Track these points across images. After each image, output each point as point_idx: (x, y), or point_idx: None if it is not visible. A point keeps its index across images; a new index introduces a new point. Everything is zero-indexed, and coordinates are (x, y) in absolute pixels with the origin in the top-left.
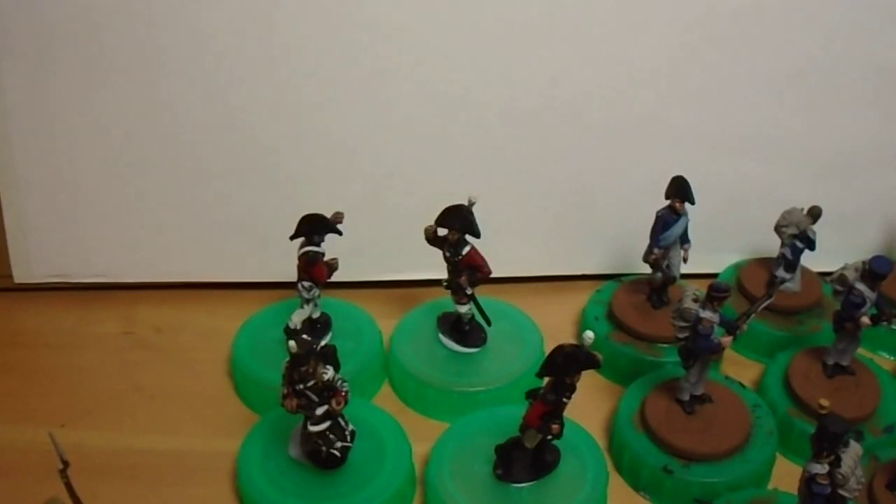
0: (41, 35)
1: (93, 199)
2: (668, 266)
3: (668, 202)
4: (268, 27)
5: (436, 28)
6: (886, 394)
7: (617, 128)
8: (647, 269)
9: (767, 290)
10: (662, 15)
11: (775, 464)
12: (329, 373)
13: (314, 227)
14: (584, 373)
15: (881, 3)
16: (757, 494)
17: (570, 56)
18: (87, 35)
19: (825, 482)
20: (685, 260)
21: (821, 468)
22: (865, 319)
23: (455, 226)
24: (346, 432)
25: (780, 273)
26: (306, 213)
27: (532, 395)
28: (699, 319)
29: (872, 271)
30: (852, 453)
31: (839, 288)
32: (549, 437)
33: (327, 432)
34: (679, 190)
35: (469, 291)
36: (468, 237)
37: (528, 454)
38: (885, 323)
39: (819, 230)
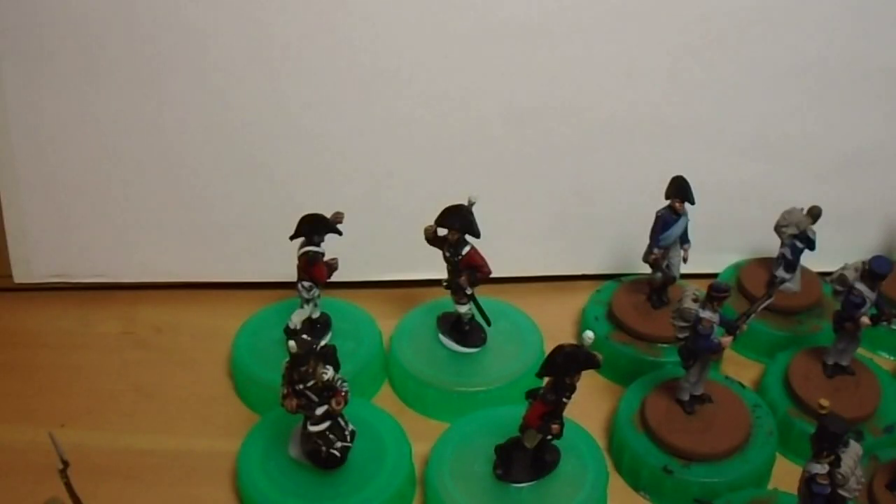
0: (41, 35)
1: (93, 200)
2: (668, 266)
3: (668, 202)
4: (267, 27)
5: (436, 28)
6: (886, 394)
7: (617, 128)
8: (647, 269)
9: (767, 290)
10: (662, 14)
11: (775, 464)
12: (329, 373)
13: (314, 227)
14: (584, 373)
15: (881, 4)
16: (757, 494)
17: (570, 56)
18: (87, 35)
19: (825, 482)
20: (685, 260)
21: (821, 468)
22: (865, 319)
23: (455, 226)
24: (346, 432)
25: (780, 273)
26: (306, 213)
27: (532, 395)
28: (699, 319)
29: (872, 271)
30: (852, 453)
31: (839, 288)
32: (549, 437)
33: (327, 432)
34: (679, 190)
35: (469, 291)
36: (468, 237)
37: (528, 454)
38: (885, 323)
39: (819, 230)
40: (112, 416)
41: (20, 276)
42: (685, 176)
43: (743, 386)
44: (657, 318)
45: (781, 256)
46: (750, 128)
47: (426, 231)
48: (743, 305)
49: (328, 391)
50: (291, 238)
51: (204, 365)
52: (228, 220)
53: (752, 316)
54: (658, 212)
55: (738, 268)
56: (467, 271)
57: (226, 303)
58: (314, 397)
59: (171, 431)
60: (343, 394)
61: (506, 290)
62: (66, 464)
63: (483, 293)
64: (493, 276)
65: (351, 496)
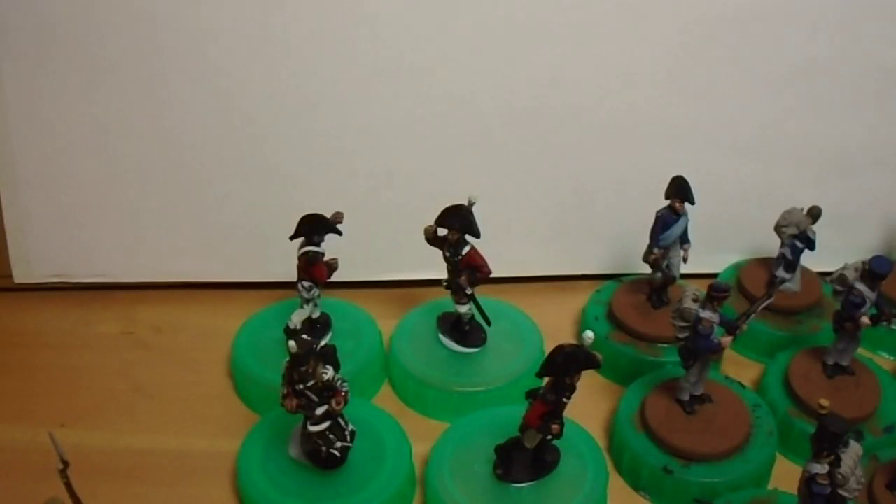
0: (41, 35)
1: (93, 199)
2: (668, 266)
3: (668, 202)
4: (268, 27)
5: (436, 28)
6: (886, 394)
7: (617, 128)
8: (647, 269)
9: (767, 290)
10: (662, 15)
11: (775, 464)
12: (329, 373)
13: (314, 227)
14: (584, 373)
15: (881, 4)
16: (757, 494)
17: (570, 56)
18: (87, 35)
19: (825, 482)
20: (685, 260)
21: (821, 468)
22: (865, 319)
23: (455, 226)
24: (346, 432)
25: (780, 273)
26: (306, 213)
27: (532, 395)
28: (699, 319)
29: (872, 271)
30: (852, 453)
31: (839, 288)
32: (549, 437)
33: (327, 432)
34: (679, 190)
35: (469, 291)
36: (468, 237)
37: (528, 454)
38: (885, 323)
39: (819, 230)
40: (112, 416)
41: (20, 276)
42: (685, 176)
43: (743, 386)
44: (657, 318)
45: (781, 256)
46: (750, 128)
47: (426, 231)
48: (743, 305)
49: (328, 391)
50: (291, 238)
51: (204, 365)
52: (228, 220)
53: (752, 316)
54: (658, 212)
55: (738, 268)
56: (467, 271)
57: (226, 303)
58: (314, 397)
59: (171, 431)
60: (343, 394)
61: (506, 290)
62: (66, 464)
63: (483, 293)
64: (493, 276)
65: (351, 496)
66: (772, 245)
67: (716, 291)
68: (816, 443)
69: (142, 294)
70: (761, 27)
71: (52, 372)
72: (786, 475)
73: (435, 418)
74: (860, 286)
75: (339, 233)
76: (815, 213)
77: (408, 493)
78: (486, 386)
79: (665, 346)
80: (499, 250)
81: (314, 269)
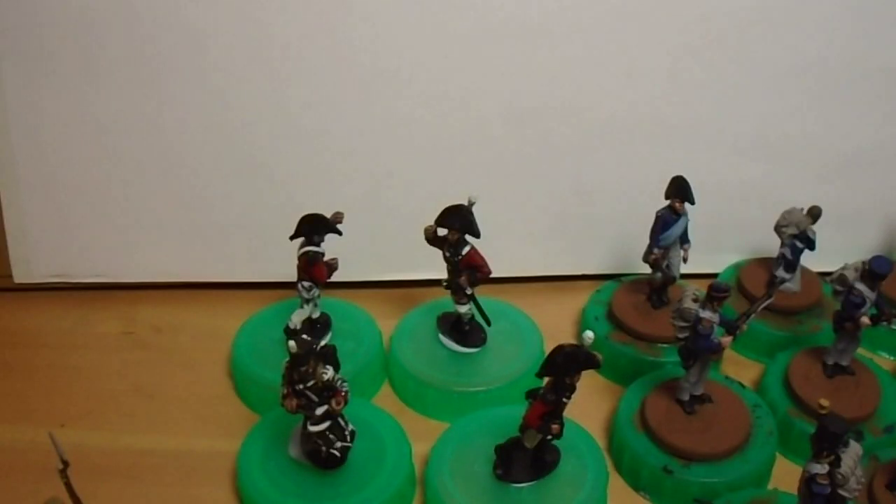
0: (41, 35)
1: (93, 199)
2: (668, 266)
3: (668, 202)
4: (267, 27)
5: (436, 28)
6: (886, 394)
7: (617, 128)
8: (647, 269)
9: (767, 290)
10: (662, 15)
11: (775, 464)
12: (329, 373)
13: (314, 227)
14: (584, 373)
15: (881, 3)
16: (757, 494)
17: (570, 56)
18: (87, 35)
19: (825, 482)
20: (685, 260)
21: (821, 468)
22: (865, 319)
23: (455, 226)
24: (346, 432)
25: (780, 273)
26: (306, 213)
27: (532, 395)
28: (699, 319)
29: (872, 271)
30: (852, 453)
31: (839, 288)
32: (549, 437)
33: (327, 432)
34: (679, 190)
35: (469, 291)
36: (468, 237)
37: (528, 454)
38: (885, 323)
39: (819, 230)
40: (112, 416)
41: (20, 276)
42: (685, 176)
43: (743, 386)
44: (657, 318)
45: (781, 256)
46: (750, 128)
47: (426, 231)
48: (743, 305)
49: (328, 391)
50: (291, 238)
51: (204, 365)
52: (228, 220)
53: (752, 316)
54: (658, 212)
55: (738, 268)
56: (467, 271)
57: (226, 303)
58: (314, 397)
59: (171, 431)
60: (343, 394)
61: (506, 290)
62: (66, 464)
63: (483, 293)
64: (493, 276)
65: (351, 496)
66: (772, 245)
67: (716, 291)
68: (816, 443)
69: (142, 294)
70: (761, 27)
71: (52, 372)
72: (786, 475)
73: (435, 418)
74: (860, 286)
75: (339, 233)
76: (815, 213)
77: (408, 493)
78: (486, 386)
79: (665, 346)
80: (499, 250)
81: (314, 269)
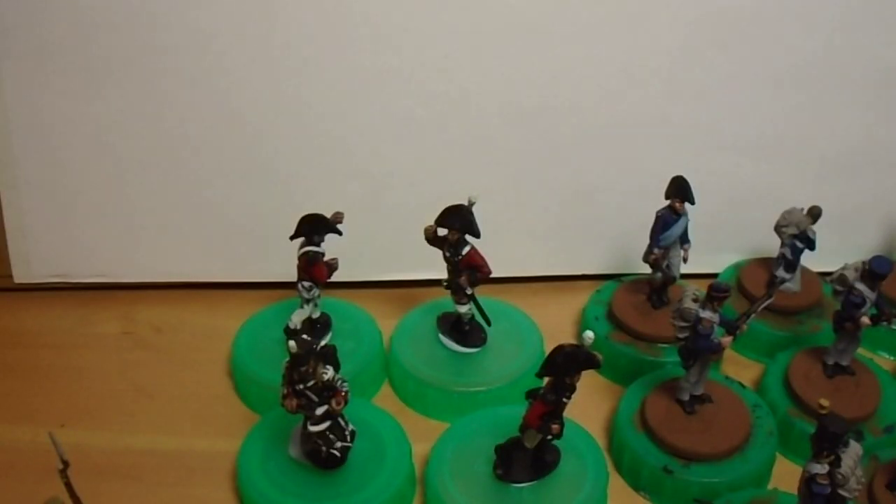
0: (41, 35)
1: (93, 199)
2: (668, 266)
3: (668, 202)
4: (267, 27)
5: (436, 28)
6: (886, 394)
7: (617, 128)
8: (647, 269)
9: (767, 290)
10: (662, 15)
11: (775, 464)
12: (329, 373)
13: (314, 227)
14: (584, 373)
15: (881, 3)
16: (757, 494)
17: (570, 56)
18: (87, 35)
19: (825, 482)
20: (685, 260)
21: (821, 468)
22: (865, 319)
23: (455, 226)
24: (346, 432)
25: (780, 273)
26: (306, 213)
27: (532, 395)
28: (699, 319)
29: (872, 271)
30: (852, 453)
31: (839, 288)
32: (549, 437)
33: (327, 432)
34: (679, 190)
35: (469, 291)
36: (468, 237)
37: (528, 454)
38: (885, 323)
39: (819, 230)
40: (112, 416)
41: (20, 276)
42: (685, 176)
43: (743, 386)
44: (657, 318)
45: (781, 256)
46: (750, 128)
47: (426, 231)
48: (743, 305)
49: (328, 391)
50: (291, 238)
51: (204, 365)
52: (228, 220)
53: (752, 316)
54: (658, 212)
55: (738, 268)
56: (467, 271)
57: (226, 303)
58: (314, 397)
59: (171, 431)
60: (343, 394)
61: (506, 290)
62: (66, 464)
63: (483, 293)
64: (493, 276)
65: (351, 496)
66: (772, 245)
67: (716, 291)
68: (816, 443)
69: (142, 294)
70: (761, 27)
71: (52, 372)
72: (786, 475)
73: (435, 418)
74: (860, 286)
75: (339, 233)
76: (815, 213)
77: (408, 493)
78: (486, 386)
79: (665, 346)
80: (499, 250)
81: (314, 269)
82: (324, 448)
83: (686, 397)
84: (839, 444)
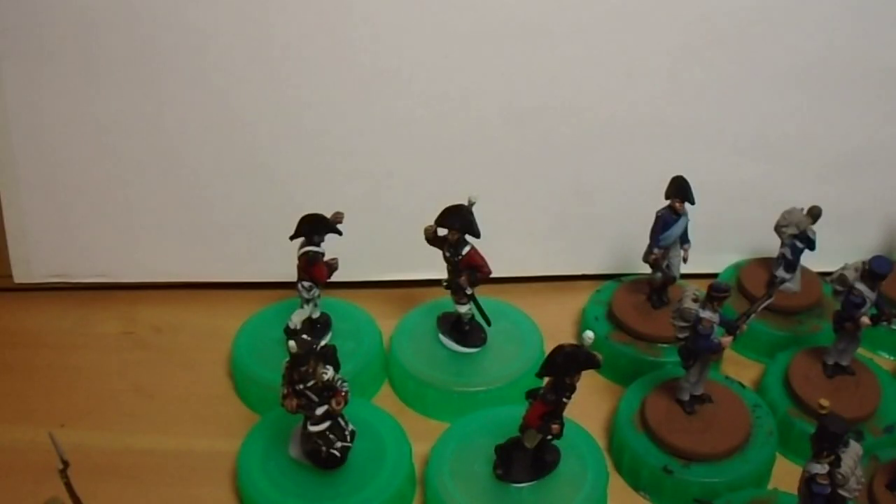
0: (41, 35)
1: (93, 200)
2: (668, 266)
3: (668, 202)
4: (267, 27)
5: (436, 28)
6: (886, 394)
7: (617, 128)
8: (647, 269)
9: (767, 290)
10: (663, 15)
11: (775, 464)
12: (329, 373)
13: (314, 227)
14: (584, 373)
15: (881, 3)
16: (757, 494)
17: (570, 56)
18: (87, 35)
19: (825, 482)
20: (685, 260)
21: (821, 468)
22: (865, 319)
23: (455, 226)
24: (346, 432)
25: (780, 273)
26: (306, 213)
27: (532, 395)
28: (699, 319)
29: (872, 271)
30: (852, 453)
31: (839, 288)
32: (549, 437)
33: (327, 432)
34: (679, 190)
35: (469, 291)
36: (468, 237)
37: (528, 454)
38: (885, 323)
39: (819, 230)
40: (112, 416)
41: (20, 276)
42: (685, 176)
43: (743, 386)
44: (657, 318)
45: (781, 256)
46: (750, 128)
47: (426, 231)
48: (743, 305)
49: (328, 391)
50: (291, 238)
51: (204, 365)
52: (228, 220)
53: (752, 316)
54: (658, 212)
55: (738, 268)
56: (467, 271)
57: (226, 303)
58: (314, 397)
59: (171, 431)
60: (343, 394)
61: (506, 290)
62: (66, 464)
63: (483, 293)
64: (493, 276)
65: (351, 496)
66: (772, 245)
67: (716, 291)
68: (816, 443)
69: (142, 294)
70: (761, 27)
71: (52, 372)
72: (786, 475)
73: (435, 418)
74: (860, 286)
75: (339, 233)
76: (815, 213)
77: (408, 493)
78: (486, 386)
79: (665, 346)
80: (499, 250)
81: (314, 269)
82: (324, 448)
83: (686, 397)
84: (839, 444)
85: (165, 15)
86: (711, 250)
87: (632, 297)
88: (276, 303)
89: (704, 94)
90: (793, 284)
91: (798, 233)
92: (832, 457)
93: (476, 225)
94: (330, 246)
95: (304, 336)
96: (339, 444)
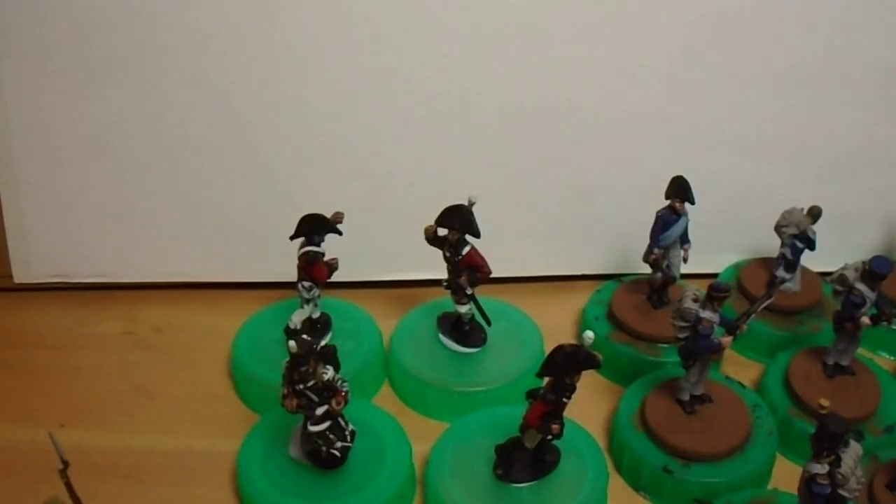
0: (41, 35)
1: (93, 199)
2: (668, 266)
3: (668, 202)
4: (267, 27)
5: (436, 28)
6: (886, 394)
7: (617, 128)
8: (647, 269)
9: (767, 290)
10: (662, 15)
11: (775, 464)
12: (329, 373)
13: (314, 227)
14: (584, 373)
15: (881, 3)
16: (757, 494)
17: (570, 56)
18: (87, 35)
19: (825, 482)
20: (685, 260)
21: (821, 468)
22: (865, 319)
23: (455, 226)
24: (346, 432)
25: (780, 273)
26: (306, 213)
27: (532, 395)
28: (699, 319)
29: (872, 271)
30: (852, 453)
31: (839, 288)
32: (549, 437)
33: (327, 432)
34: (679, 190)
35: (469, 291)
36: (468, 237)
37: (528, 454)
38: (885, 323)
39: (819, 230)
40: (112, 416)
41: (20, 276)
42: (685, 176)
43: (743, 386)
44: (657, 318)
45: (781, 256)
46: (750, 128)
47: (426, 231)
48: (743, 305)
49: (328, 391)
50: (291, 238)
51: (204, 365)
52: (228, 220)
53: (752, 316)
54: (658, 212)
55: (738, 268)
56: (467, 271)
57: (226, 303)
58: (314, 397)
59: (171, 431)
60: (343, 394)
61: (506, 290)
62: (66, 464)
63: (483, 293)
64: (493, 276)
65: (351, 496)
66: (772, 245)
67: (716, 291)
68: (816, 443)
69: (142, 294)
70: (761, 27)
71: (52, 372)
72: (786, 475)
73: (435, 418)
74: (860, 286)
75: (340, 233)
76: (815, 213)
77: (408, 493)
78: (486, 386)
79: (665, 346)
80: (499, 250)
81: (314, 269)
82: (324, 448)
83: (686, 397)
84: (839, 444)
85: (165, 15)
86: (711, 250)
87: (632, 297)
88: (276, 303)
89: (704, 94)
90: (793, 284)
91: (798, 233)
92: (832, 457)
93: (476, 225)
94: (330, 246)
95: (304, 336)
96: (339, 444)
